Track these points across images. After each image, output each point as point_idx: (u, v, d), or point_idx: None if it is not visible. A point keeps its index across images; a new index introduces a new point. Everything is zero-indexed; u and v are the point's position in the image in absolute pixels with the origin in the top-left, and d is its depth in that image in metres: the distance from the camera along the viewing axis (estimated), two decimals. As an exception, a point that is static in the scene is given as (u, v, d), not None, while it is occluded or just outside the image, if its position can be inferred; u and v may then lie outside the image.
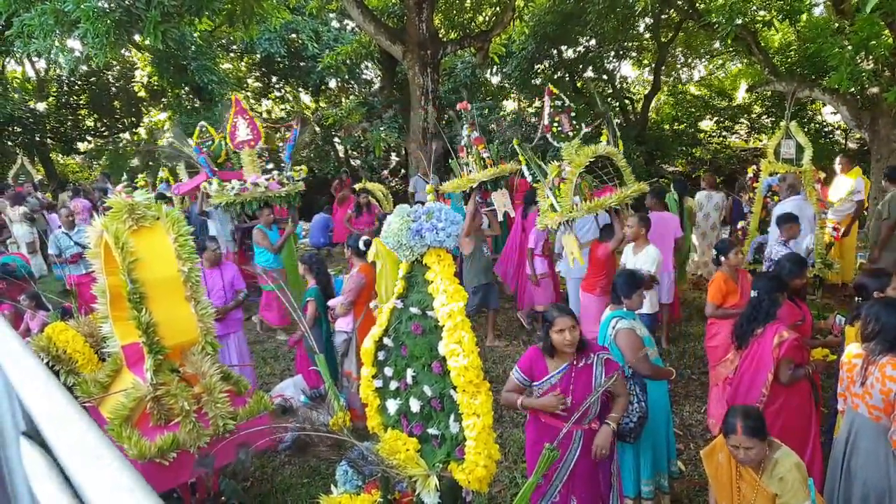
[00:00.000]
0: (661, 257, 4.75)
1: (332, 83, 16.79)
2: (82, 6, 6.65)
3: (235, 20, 9.59)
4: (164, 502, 0.63)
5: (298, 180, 6.22)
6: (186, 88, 13.47)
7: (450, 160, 5.36)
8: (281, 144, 12.74)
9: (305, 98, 17.66)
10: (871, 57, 7.06)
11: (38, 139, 14.87)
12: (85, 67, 14.09)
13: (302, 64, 15.24)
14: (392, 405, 2.60)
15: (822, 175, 6.76)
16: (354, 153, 15.98)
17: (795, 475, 2.30)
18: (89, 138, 17.27)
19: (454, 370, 2.21)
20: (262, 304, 6.48)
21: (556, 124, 4.88)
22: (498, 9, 13.21)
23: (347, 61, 13.92)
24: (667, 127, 16.79)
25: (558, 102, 4.91)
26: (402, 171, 15.17)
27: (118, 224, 2.91)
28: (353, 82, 16.43)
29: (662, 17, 13.69)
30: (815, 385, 3.29)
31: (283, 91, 17.32)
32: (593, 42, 14.40)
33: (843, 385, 2.86)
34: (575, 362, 2.70)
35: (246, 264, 7.07)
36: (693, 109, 16.87)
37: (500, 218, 5.74)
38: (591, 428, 2.73)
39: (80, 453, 0.68)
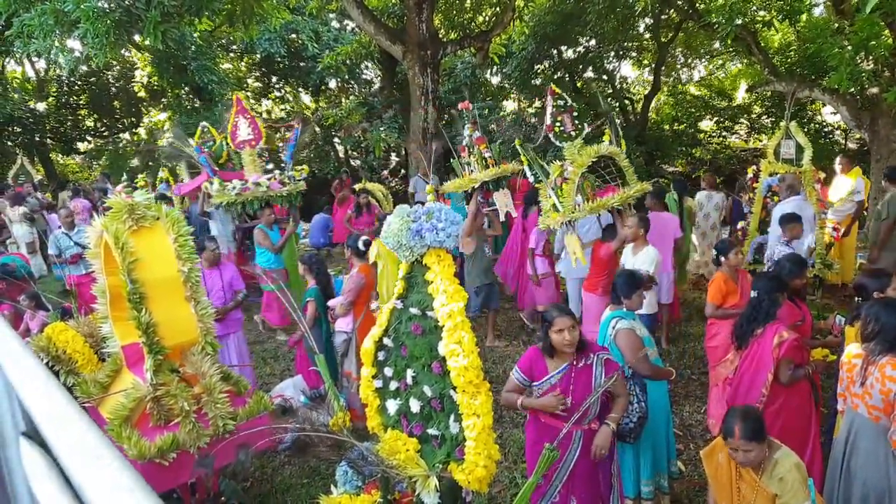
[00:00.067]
0: (660, 258, 4.75)
1: (332, 83, 16.79)
2: (82, 6, 6.65)
3: (235, 20, 9.59)
4: (163, 502, 0.63)
5: (300, 180, 6.22)
6: (186, 88, 13.47)
7: (451, 159, 5.36)
8: (281, 144, 12.74)
9: (305, 98, 17.66)
10: (870, 57, 7.06)
11: (37, 139, 14.86)
12: (85, 67, 14.09)
13: (302, 64, 15.24)
14: (392, 405, 2.60)
15: (822, 175, 6.76)
16: (354, 153, 15.98)
17: (795, 476, 2.30)
18: (89, 138, 17.27)
19: (454, 370, 2.21)
20: (264, 305, 6.48)
21: (558, 124, 4.88)
22: (498, 9, 13.21)
23: (347, 61, 13.92)
24: (667, 127, 16.79)
25: (560, 102, 4.91)
26: (402, 171, 15.17)
27: (118, 224, 2.91)
28: (353, 82, 16.43)
29: (662, 17, 13.69)
30: (815, 385, 3.29)
31: (283, 91, 17.32)
32: (593, 42, 14.41)
33: (842, 385, 2.86)
34: (575, 362, 2.70)
35: (244, 265, 7.07)
36: (693, 110, 16.86)
37: (502, 218, 5.74)
38: (590, 428, 2.73)
39: (79, 453, 0.68)
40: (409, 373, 2.53)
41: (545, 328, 2.71)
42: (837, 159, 7.28)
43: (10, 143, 14.33)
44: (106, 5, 7.02)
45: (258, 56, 15.19)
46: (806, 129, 11.93)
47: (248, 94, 16.63)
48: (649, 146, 14.95)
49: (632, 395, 2.98)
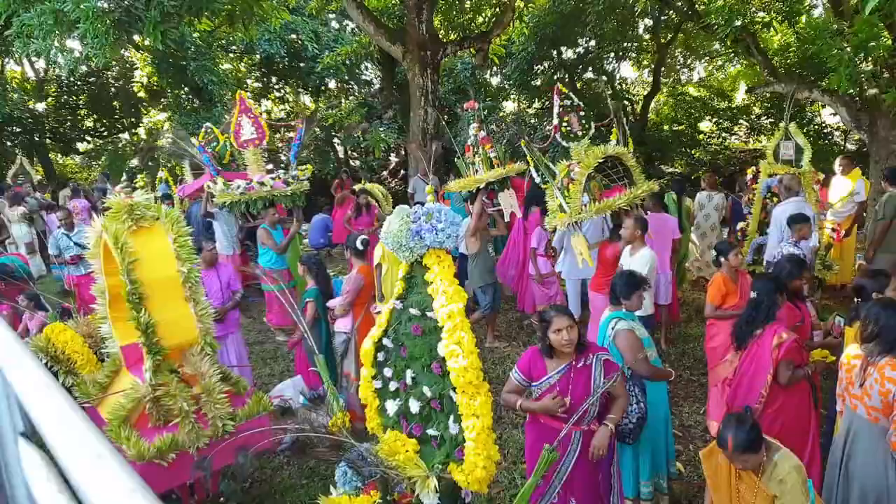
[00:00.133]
0: (656, 260, 4.74)
1: (332, 84, 16.79)
2: (82, 6, 6.64)
3: (235, 21, 9.59)
4: (162, 503, 0.63)
5: (303, 179, 6.21)
6: (186, 89, 13.46)
7: (456, 158, 5.36)
8: (280, 145, 12.74)
9: (305, 99, 17.66)
10: (869, 58, 7.06)
11: (37, 139, 14.85)
12: (84, 68, 14.07)
13: (302, 64, 15.23)
14: (391, 406, 2.60)
15: (821, 176, 6.77)
16: (354, 154, 15.98)
17: (795, 478, 2.30)
18: (88, 138, 17.26)
19: (454, 371, 2.21)
20: (268, 306, 6.46)
21: (565, 124, 4.87)
22: (498, 10, 13.22)
23: (347, 62, 13.91)
24: (666, 128, 16.79)
25: (567, 102, 4.90)
26: (402, 171, 15.16)
27: (117, 224, 2.91)
28: (352, 83, 16.43)
29: (662, 18, 13.70)
30: (814, 386, 3.29)
31: (282, 92, 17.31)
32: (593, 43, 14.42)
33: (841, 386, 2.86)
34: (574, 362, 2.70)
35: (245, 265, 7.06)
36: (692, 110, 16.86)
37: (507, 218, 5.74)
38: (590, 429, 2.73)
39: (78, 454, 0.68)
40: (409, 373, 2.53)
41: (543, 328, 2.71)
42: (837, 160, 7.29)
43: (9, 144, 14.32)
44: (105, 5, 7.01)
45: (258, 56, 15.19)
46: (805, 131, 11.96)
47: (248, 94, 16.60)
48: (649, 147, 14.96)
49: (631, 396, 2.98)
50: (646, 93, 16.13)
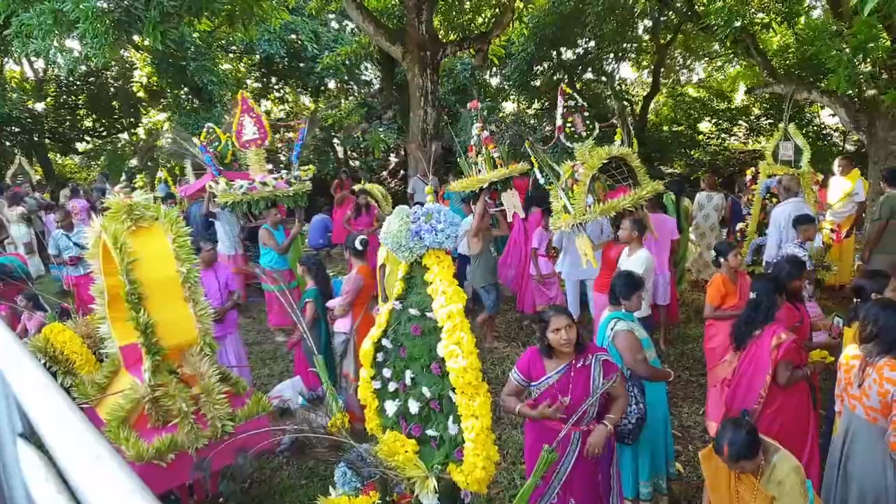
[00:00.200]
0: (654, 261, 4.74)
1: (332, 84, 16.79)
2: (81, 6, 6.63)
3: (235, 21, 9.58)
4: (161, 504, 0.63)
5: (306, 180, 6.21)
6: (185, 89, 13.45)
7: (458, 158, 5.35)
8: (280, 145, 12.74)
9: (305, 99, 17.66)
10: (868, 59, 7.07)
11: (36, 139, 14.84)
12: (83, 67, 14.06)
13: (301, 65, 15.23)
14: (391, 407, 2.60)
15: (820, 177, 6.77)
16: (354, 154, 15.98)
17: (794, 479, 2.30)
18: (88, 138, 17.25)
19: (453, 371, 2.21)
20: (269, 306, 6.45)
21: (569, 125, 4.87)
22: (497, 10, 13.23)
23: (347, 62, 13.91)
24: (666, 129, 16.81)
25: (571, 102, 4.89)
26: (402, 172, 15.17)
27: (116, 225, 2.91)
28: (352, 83, 16.43)
29: (661, 19, 13.72)
30: (813, 387, 3.30)
31: (282, 92, 17.31)
32: (592, 44, 14.43)
33: (840, 386, 2.87)
34: (573, 363, 2.70)
35: (247, 265, 7.06)
36: (692, 111, 16.88)
37: (510, 218, 5.74)
38: (589, 429, 2.72)
39: (77, 455, 0.68)
40: (408, 374, 2.53)
41: (542, 328, 2.71)
42: (836, 161, 7.30)
43: (8, 144, 14.31)
44: (105, 5, 7.00)
45: (257, 57, 15.19)
46: (804, 132, 11.96)
47: (249, 94, 16.57)
48: (648, 148, 14.97)
49: (630, 397, 2.98)
50: (645, 93, 16.15)
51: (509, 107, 17.37)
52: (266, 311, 6.57)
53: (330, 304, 4.54)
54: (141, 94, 16.73)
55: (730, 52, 10.75)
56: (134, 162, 15.84)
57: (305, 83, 16.02)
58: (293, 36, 14.28)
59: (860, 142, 10.70)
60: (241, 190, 5.82)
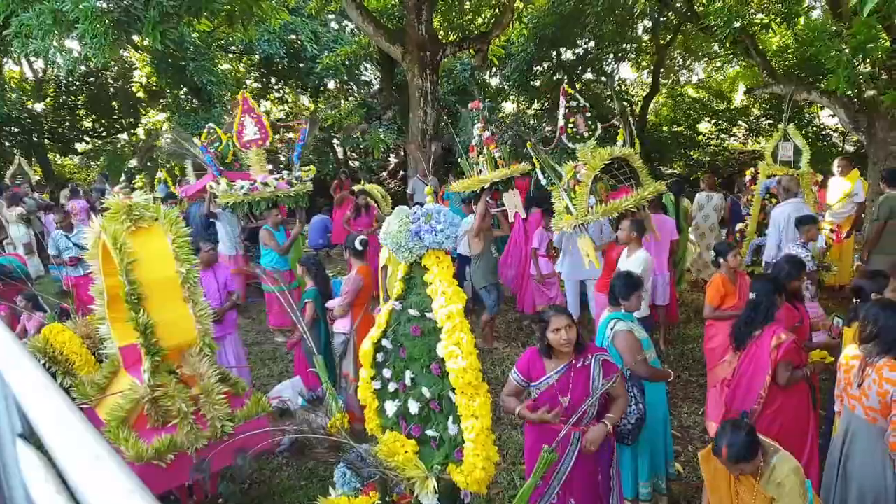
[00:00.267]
0: (652, 262, 4.73)
1: (331, 84, 16.79)
2: (80, 6, 6.63)
3: (234, 21, 9.58)
4: (161, 505, 0.63)
5: (307, 180, 6.21)
6: (185, 89, 13.45)
7: (459, 158, 5.35)
8: (280, 146, 12.72)
9: (304, 99, 17.66)
10: (868, 60, 7.07)
11: (35, 139, 14.83)
12: (83, 68, 14.05)
13: (301, 65, 15.23)
14: (390, 407, 2.59)
15: (820, 178, 6.78)
16: (353, 154, 15.98)
17: (793, 480, 2.30)
18: (87, 139, 17.24)
19: (453, 372, 2.21)
20: (268, 306, 6.45)
21: (571, 125, 4.86)
22: (497, 10, 13.23)
23: (346, 62, 13.91)
24: (665, 129, 16.82)
25: (574, 103, 4.89)
26: (401, 172, 15.17)
27: (116, 225, 2.91)
28: (352, 83, 16.43)
29: (661, 19, 13.72)
30: (813, 387, 3.30)
31: (282, 92, 17.32)
32: (592, 44, 14.44)
33: (840, 386, 2.87)
34: (573, 363, 2.70)
35: (247, 265, 7.05)
36: (691, 112, 16.90)
37: (511, 218, 5.73)
38: (589, 430, 2.73)
39: (76, 455, 0.68)
40: (408, 374, 2.53)
41: (542, 328, 2.71)
42: (836, 162, 7.30)
43: (7, 144, 14.30)
44: (104, 5, 7.00)
45: (257, 57, 15.18)
46: (804, 132, 11.97)
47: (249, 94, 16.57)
48: (648, 148, 14.97)
49: (630, 397, 2.97)
50: (645, 94, 16.15)
51: (509, 107, 17.37)
52: (266, 312, 6.57)
53: (329, 304, 4.53)
54: (140, 94, 16.73)
55: (729, 52, 10.76)
56: (133, 162, 15.83)
57: (305, 83, 16.03)
58: (293, 36, 14.28)
59: (859, 142, 10.71)
60: (242, 190, 5.82)
